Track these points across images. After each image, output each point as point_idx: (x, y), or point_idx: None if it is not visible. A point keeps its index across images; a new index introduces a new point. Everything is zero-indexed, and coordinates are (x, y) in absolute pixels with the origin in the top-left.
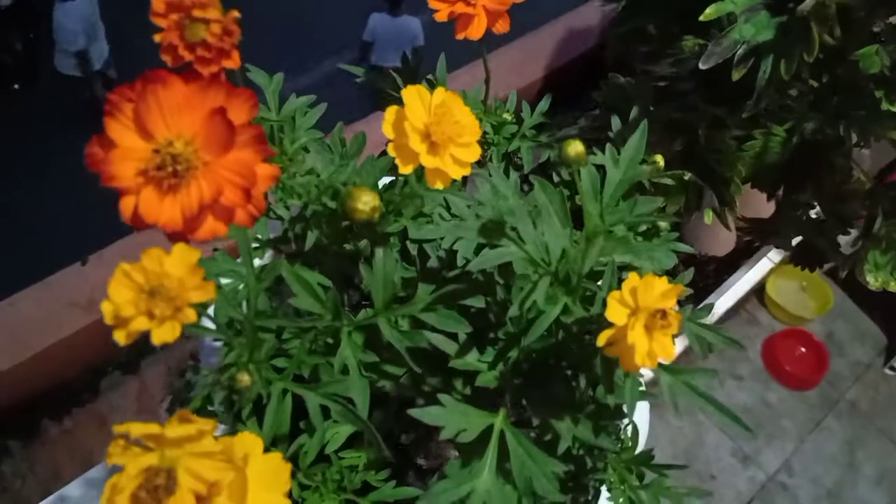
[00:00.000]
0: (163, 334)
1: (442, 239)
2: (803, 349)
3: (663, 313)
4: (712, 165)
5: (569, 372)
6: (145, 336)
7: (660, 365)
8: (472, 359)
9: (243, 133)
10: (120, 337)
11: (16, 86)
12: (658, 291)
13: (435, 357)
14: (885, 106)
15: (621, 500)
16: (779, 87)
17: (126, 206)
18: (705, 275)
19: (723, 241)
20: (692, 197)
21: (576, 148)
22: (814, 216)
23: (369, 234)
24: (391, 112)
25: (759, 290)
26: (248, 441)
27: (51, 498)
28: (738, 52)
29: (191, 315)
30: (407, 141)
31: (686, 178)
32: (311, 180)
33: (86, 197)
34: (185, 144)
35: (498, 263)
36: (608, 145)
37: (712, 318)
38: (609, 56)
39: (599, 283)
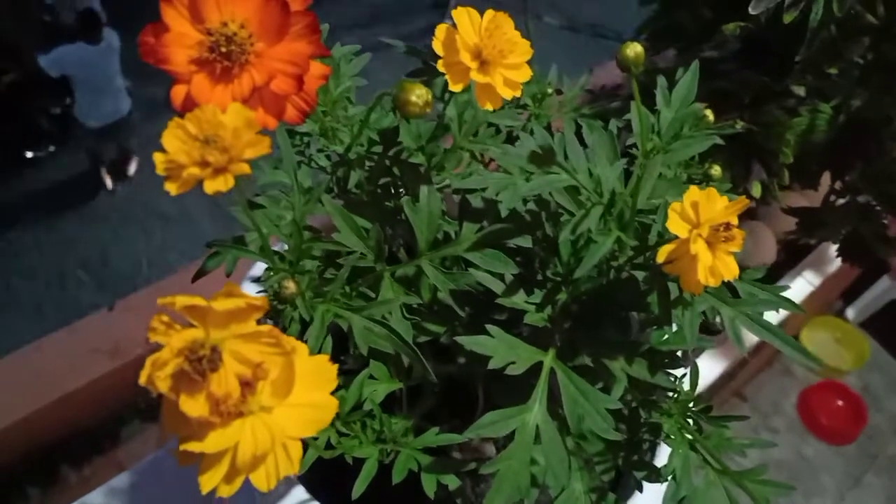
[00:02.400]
0: (216, 184)
1: (485, 190)
2: (840, 402)
3: (727, 226)
4: (759, 140)
5: (622, 314)
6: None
7: (719, 297)
8: (519, 299)
9: (297, 22)
10: (172, 187)
11: (52, 148)
12: (720, 205)
13: (478, 309)
14: None
15: (680, 450)
16: (824, 59)
17: (178, 93)
18: None
19: (764, 252)
20: (739, 171)
21: (634, 49)
22: (861, 202)
23: (413, 175)
24: (441, 30)
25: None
26: (294, 342)
27: None
28: None
29: (244, 168)
30: (458, 57)
31: (738, 126)
32: (356, 116)
33: (113, 248)
34: (240, 27)
35: (549, 191)
36: (659, 86)
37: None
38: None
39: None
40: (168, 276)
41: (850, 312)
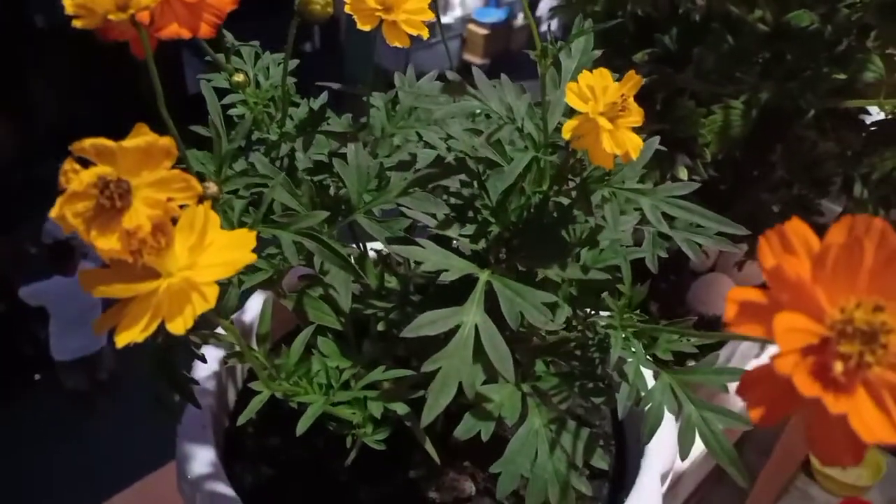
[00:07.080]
0: (119, 16)
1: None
2: None
3: (622, 97)
4: (677, 133)
5: (553, 236)
6: None
7: (635, 190)
8: (453, 233)
9: None
10: (79, 23)
11: (37, 376)
12: (614, 84)
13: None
14: (825, 67)
15: (630, 358)
16: (728, 65)
17: None
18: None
19: (723, 302)
20: (665, 165)
21: None
22: (795, 193)
23: (341, 139)
24: None
25: (805, 463)
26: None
27: None
28: None
29: (146, 1)
30: (364, 3)
31: (643, 81)
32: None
33: (94, 460)
34: None
35: (462, 115)
36: (559, 48)
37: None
38: None
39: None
40: (153, 472)
41: None
